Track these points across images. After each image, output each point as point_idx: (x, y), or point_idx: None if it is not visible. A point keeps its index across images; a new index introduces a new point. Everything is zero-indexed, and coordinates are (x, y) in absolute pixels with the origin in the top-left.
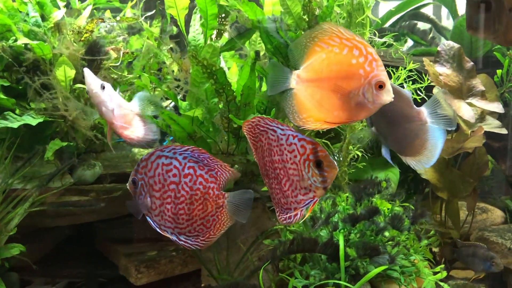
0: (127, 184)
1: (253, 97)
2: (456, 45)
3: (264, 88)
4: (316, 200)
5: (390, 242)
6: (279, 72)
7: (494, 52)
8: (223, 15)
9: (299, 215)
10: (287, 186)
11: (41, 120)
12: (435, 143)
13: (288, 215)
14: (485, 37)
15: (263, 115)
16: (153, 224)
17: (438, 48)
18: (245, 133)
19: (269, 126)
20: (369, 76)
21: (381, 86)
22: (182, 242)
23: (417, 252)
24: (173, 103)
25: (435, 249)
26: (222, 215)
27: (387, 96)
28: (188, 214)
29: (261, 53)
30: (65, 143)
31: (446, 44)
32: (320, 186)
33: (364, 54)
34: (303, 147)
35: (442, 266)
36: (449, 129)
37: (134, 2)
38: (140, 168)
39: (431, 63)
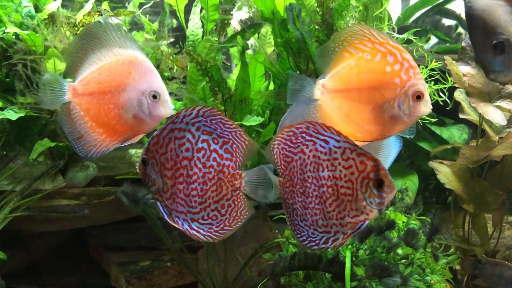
0: (136, 166)
1: (248, 91)
2: None
3: (271, 86)
4: (366, 224)
5: (403, 261)
6: (300, 82)
7: None
8: (228, 7)
9: (340, 240)
10: (333, 206)
11: (22, 114)
12: (388, 152)
13: (324, 239)
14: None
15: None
16: (161, 210)
17: (463, 44)
18: (277, 141)
19: (320, 135)
20: (405, 85)
21: (419, 96)
22: (194, 232)
23: (435, 272)
24: None
25: (457, 267)
26: (238, 200)
27: (426, 108)
28: (201, 196)
29: (271, 49)
30: (53, 144)
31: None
32: (376, 208)
33: (399, 61)
34: (362, 164)
35: None
36: (408, 137)
37: None
38: (151, 146)
39: (454, 61)
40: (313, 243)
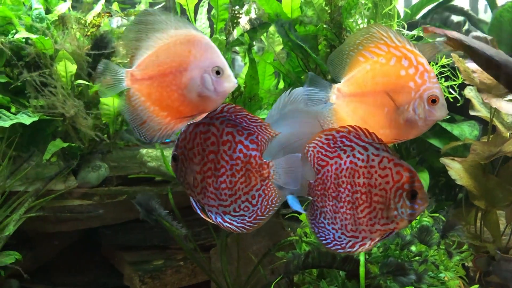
0: (169, 163)
1: (257, 88)
2: (488, 37)
3: (281, 85)
4: (394, 232)
5: (417, 258)
6: (317, 85)
7: None
8: (237, 7)
9: (367, 246)
10: (364, 213)
11: (35, 119)
12: None
13: (351, 243)
14: None
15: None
16: (194, 205)
17: None
18: (313, 144)
19: (360, 141)
20: (420, 89)
21: (434, 100)
22: (227, 224)
23: (448, 269)
24: None
25: (469, 264)
26: (268, 189)
27: (441, 112)
28: (231, 188)
29: (280, 48)
30: (65, 144)
31: (475, 36)
32: (406, 218)
33: (414, 65)
34: (398, 174)
35: (477, 286)
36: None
37: None
38: (180, 142)
39: (461, 58)
40: (339, 246)
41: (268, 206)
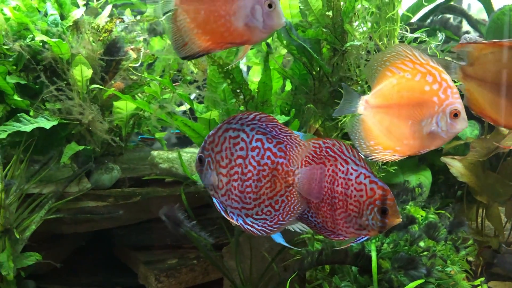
0: (193, 163)
1: (269, 93)
2: (479, 39)
3: (288, 87)
4: (366, 238)
5: (425, 253)
6: (347, 96)
7: None
8: None
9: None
10: (341, 216)
11: (55, 123)
12: None
13: (327, 234)
14: None
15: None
16: (218, 206)
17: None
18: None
19: (342, 154)
20: (443, 104)
21: (456, 114)
22: (248, 227)
23: (454, 263)
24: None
25: (470, 258)
26: (292, 196)
27: (462, 125)
28: (256, 192)
29: (284, 52)
30: (81, 147)
31: (468, 39)
32: (376, 229)
33: (438, 81)
34: (372, 191)
35: (483, 279)
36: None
37: None
38: (207, 144)
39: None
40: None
41: (289, 212)
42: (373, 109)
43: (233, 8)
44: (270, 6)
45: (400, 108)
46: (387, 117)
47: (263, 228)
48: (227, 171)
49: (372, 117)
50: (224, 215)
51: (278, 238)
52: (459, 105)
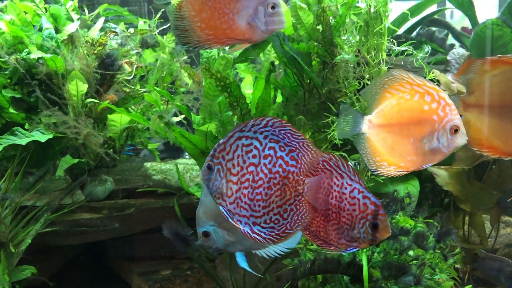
0: (200, 172)
1: (268, 109)
2: (466, 53)
3: (279, 99)
4: (357, 249)
5: (414, 262)
6: (351, 117)
7: None
8: None
9: (332, 248)
10: (333, 227)
11: (50, 136)
12: None
13: (319, 243)
14: None
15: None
16: (226, 214)
17: (448, 57)
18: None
19: (337, 169)
20: (443, 121)
21: (456, 130)
22: (255, 235)
23: (443, 271)
24: None
25: (458, 265)
26: (300, 205)
27: (462, 139)
28: (265, 200)
29: (276, 63)
30: (76, 160)
31: (455, 53)
32: (367, 242)
33: (436, 100)
34: (365, 205)
35: (470, 286)
36: None
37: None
38: (217, 152)
39: (441, 73)
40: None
41: (297, 221)
42: (376, 128)
43: (237, 7)
44: (273, 8)
45: (401, 127)
46: (390, 136)
47: (270, 237)
48: (238, 179)
49: (376, 136)
50: (233, 222)
51: (242, 262)
52: (458, 121)
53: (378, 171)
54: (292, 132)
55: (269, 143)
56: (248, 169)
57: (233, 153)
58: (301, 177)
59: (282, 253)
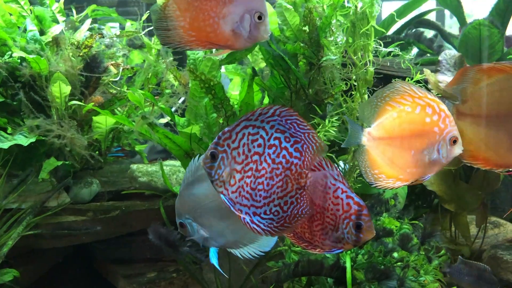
0: (201, 158)
1: None
2: (457, 54)
3: (266, 100)
4: (342, 250)
5: (399, 264)
6: (351, 128)
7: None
8: None
9: (317, 250)
10: (318, 228)
11: (33, 140)
12: None
13: (304, 245)
14: None
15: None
16: (227, 203)
17: (439, 58)
18: None
19: (322, 168)
20: (443, 132)
21: (455, 141)
22: (254, 226)
23: (428, 273)
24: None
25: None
26: (301, 199)
27: (459, 149)
28: (267, 190)
29: (263, 65)
30: (60, 162)
31: (447, 54)
32: (351, 243)
33: (437, 112)
34: (348, 205)
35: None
36: None
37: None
38: (222, 140)
39: (432, 73)
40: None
41: (297, 215)
42: (375, 141)
43: (223, 12)
44: (259, 18)
45: (402, 139)
46: (390, 148)
47: (269, 228)
48: (242, 167)
49: (375, 148)
50: (234, 210)
51: (213, 259)
52: (456, 131)
53: (376, 183)
54: (298, 122)
55: (275, 133)
56: (252, 158)
57: (239, 142)
58: (304, 170)
59: (256, 255)
